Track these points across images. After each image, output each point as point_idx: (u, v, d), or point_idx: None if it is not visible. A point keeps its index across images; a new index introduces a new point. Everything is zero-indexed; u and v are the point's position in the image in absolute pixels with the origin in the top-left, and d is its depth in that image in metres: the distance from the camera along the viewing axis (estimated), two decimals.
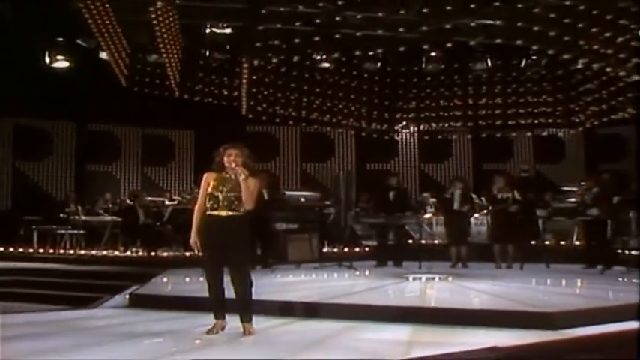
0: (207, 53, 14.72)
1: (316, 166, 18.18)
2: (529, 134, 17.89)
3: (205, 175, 5.68)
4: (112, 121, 16.27)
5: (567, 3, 10.94)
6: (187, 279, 8.54)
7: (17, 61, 13.39)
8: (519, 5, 11.31)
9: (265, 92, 17.05)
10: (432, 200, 14.71)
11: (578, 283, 8.68)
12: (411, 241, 12.76)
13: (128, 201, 13.83)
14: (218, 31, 13.14)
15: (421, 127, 18.50)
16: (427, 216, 14.24)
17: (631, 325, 5.70)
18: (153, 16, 12.12)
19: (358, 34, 13.15)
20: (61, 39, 13.82)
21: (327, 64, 15.29)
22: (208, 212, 5.54)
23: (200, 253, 5.64)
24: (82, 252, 12.60)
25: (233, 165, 5.48)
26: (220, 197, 5.51)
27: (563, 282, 8.70)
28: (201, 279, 5.67)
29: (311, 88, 17.51)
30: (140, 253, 12.24)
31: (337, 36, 13.38)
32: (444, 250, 11.88)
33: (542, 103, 17.57)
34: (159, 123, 16.70)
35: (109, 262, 11.43)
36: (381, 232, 11.82)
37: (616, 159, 15.87)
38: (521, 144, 18.05)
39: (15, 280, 9.97)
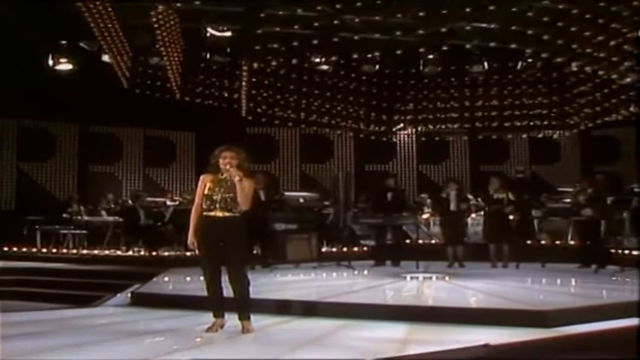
0: (208, 56, 14.72)
1: (315, 167, 18.20)
2: (524, 136, 17.93)
3: (201, 177, 5.71)
4: (114, 122, 16.30)
5: (560, 7, 10.96)
6: (188, 278, 8.56)
7: (21, 64, 13.40)
8: (513, 9, 11.33)
9: (265, 94, 17.05)
10: (429, 200, 14.75)
11: (572, 282, 8.71)
12: (408, 241, 12.79)
13: (130, 201, 13.86)
14: (218, 34, 13.15)
15: (418, 129, 18.52)
16: (425, 216, 14.27)
17: (623, 323, 5.74)
18: (154, 19, 12.13)
19: (356, 37, 13.16)
20: (64, 42, 13.83)
21: (325, 67, 15.31)
22: (205, 213, 5.57)
23: (198, 253, 5.68)
24: (85, 251, 12.63)
25: (228, 167, 5.51)
26: (216, 198, 5.54)
27: (558, 281, 8.74)
28: (202, 278, 5.69)
29: (310, 90, 17.51)
30: (142, 253, 12.25)
31: (335, 39, 13.39)
32: (441, 250, 11.92)
33: (537, 105, 17.58)
34: (160, 124, 16.74)
35: (110, 262, 11.47)
36: (379, 232, 11.85)
37: (610, 160, 15.92)
38: (518, 145, 18.08)
39: (18, 279, 10.00)
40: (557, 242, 12.75)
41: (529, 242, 12.53)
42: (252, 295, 5.74)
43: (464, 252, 11.59)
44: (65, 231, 13.22)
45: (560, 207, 12.58)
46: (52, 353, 4.94)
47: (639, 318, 5.12)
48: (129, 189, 16.17)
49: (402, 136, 18.67)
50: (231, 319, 5.66)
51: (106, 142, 16.50)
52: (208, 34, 13.24)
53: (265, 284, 8.28)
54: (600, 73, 12.82)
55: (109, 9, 11.83)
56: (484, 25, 12.28)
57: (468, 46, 13.67)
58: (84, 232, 13.26)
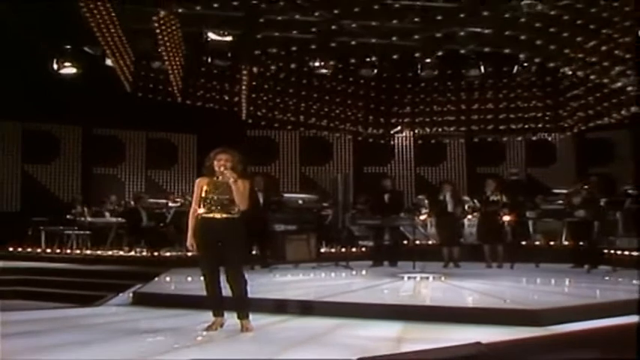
0: (209, 60, 14.76)
1: (315, 169, 18.24)
2: (519, 138, 17.98)
3: (198, 180, 5.75)
4: (117, 125, 16.34)
5: (552, 13, 11.00)
6: (189, 278, 8.59)
7: (26, 68, 13.46)
8: (506, 15, 11.37)
9: (265, 98, 17.10)
10: (427, 201, 14.78)
11: (565, 282, 8.75)
12: (405, 242, 12.83)
13: (132, 203, 13.90)
14: (219, 38, 13.19)
15: (416, 132, 18.57)
16: (422, 217, 14.31)
17: (614, 321, 5.78)
18: (156, 24, 12.18)
19: (353, 42, 13.20)
20: (68, 46, 13.87)
21: (324, 71, 15.35)
22: (203, 215, 5.61)
23: (197, 254, 5.74)
24: (88, 252, 12.67)
25: (223, 169, 5.55)
26: (213, 200, 5.58)
27: (551, 281, 8.78)
28: (201, 278, 5.74)
29: (309, 93, 17.56)
30: (143, 253, 12.29)
31: (333, 44, 13.44)
32: (438, 250, 11.96)
33: (532, 108, 17.65)
34: (162, 127, 16.78)
35: (113, 262, 11.50)
36: (377, 233, 11.89)
37: (604, 162, 15.97)
38: (514, 148, 18.13)
39: (23, 279, 10.04)
40: (552, 243, 12.79)
41: (524, 243, 12.57)
42: (251, 295, 5.79)
43: (460, 252, 11.65)
44: (69, 232, 13.26)
45: (553, 208, 12.63)
46: (56, 351, 4.97)
47: None
48: (131, 191, 16.18)
49: (399, 138, 18.72)
50: (231, 318, 5.71)
51: (109, 144, 16.53)
52: (209, 39, 13.27)
53: (265, 284, 8.32)
54: (592, 77, 12.88)
55: (112, 14, 11.88)
56: (478, 30, 12.34)
57: (462, 51, 13.71)
58: (87, 232, 13.30)
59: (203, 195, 5.63)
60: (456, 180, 17.11)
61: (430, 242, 13.59)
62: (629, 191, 12.89)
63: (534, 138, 17.88)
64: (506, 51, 13.17)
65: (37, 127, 15.71)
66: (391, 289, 8.26)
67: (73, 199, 14.57)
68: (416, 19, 11.96)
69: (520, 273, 9.98)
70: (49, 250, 12.84)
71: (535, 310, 6.31)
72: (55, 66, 13.96)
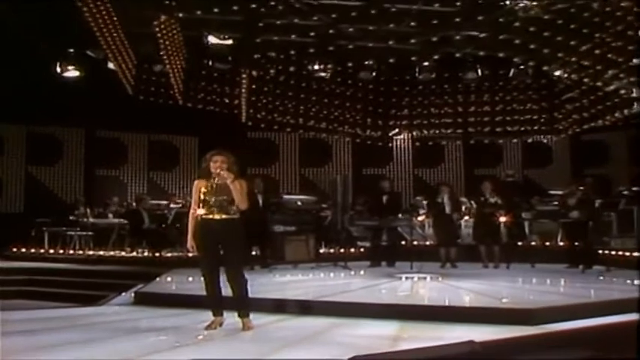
0: (209, 63, 14.81)
1: (314, 171, 18.28)
2: (515, 140, 18.02)
3: (196, 183, 5.76)
4: (120, 127, 16.39)
5: (546, 17, 11.05)
6: (190, 278, 8.59)
7: (30, 72, 13.50)
8: (501, 19, 11.42)
9: (264, 100, 17.15)
10: (425, 202, 14.80)
11: (561, 282, 8.77)
12: (403, 242, 12.85)
13: (134, 204, 13.91)
14: (219, 42, 13.23)
15: (413, 134, 18.61)
16: (420, 218, 14.33)
17: (607, 320, 5.80)
18: (157, 28, 12.23)
19: (351, 46, 13.25)
20: (71, 50, 13.93)
21: (323, 74, 15.39)
22: (203, 216, 5.63)
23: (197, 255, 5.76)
24: (91, 252, 12.68)
25: (219, 170, 5.57)
26: (212, 202, 5.60)
27: (546, 281, 8.79)
28: (201, 278, 5.76)
29: (308, 96, 17.62)
30: (145, 254, 12.31)
31: (332, 48, 13.48)
32: (435, 251, 11.97)
33: (528, 110, 17.70)
34: (164, 129, 16.82)
35: (115, 262, 11.53)
36: (375, 233, 11.91)
37: (599, 164, 16.01)
38: (511, 150, 18.17)
39: (27, 279, 10.07)
40: (547, 243, 12.81)
41: (520, 243, 12.59)
42: (251, 295, 5.80)
43: (457, 253, 11.66)
44: (72, 233, 13.28)
45: (548, 209, 12.65)
46: (57, 349, 4.99)
47: (639, 315, 5.18)
48: (134, 192, 16.22)
49: (397, 140, 18.76)
50: (230, 317, 5.74)
51: (112, 146, 16.58)
52: (210, 43, 13.31)
53: (264, 284, 8.34)
54: (586, 80, 12.93)
55: (114, 18, 11.92)
56: (474, 33, 12.38)
57: (457, 55, 13.76)
58: (90, 233, 13.32)
59: (202, 197, 5.66)
60: (454, 181, 17.16)
61: (428, 243, 13.60)
62: (624, 192, 12.91)
63: (530, 140, 17.92)
64: (501, 55, 13.22)
65: (41, 129, 15.76)
66: (389, 289, 8.26)
67: (76, 200, 14.59)
68: (412, 24, 11.99)
69: (516, 273, 9.98)
70: (52, 251, 12.86)
71: (530, 310, 6.33)
72: (59, 69, 14.03)
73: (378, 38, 12.83)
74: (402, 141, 18.73)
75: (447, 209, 11.62)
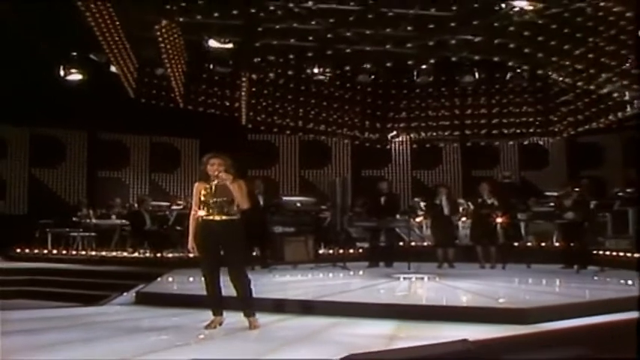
0: (210, 67, 14.83)
1: (314, 173, 18.29)
2: (511, 143, 18.05)
3: (195, 185, 5.79)
4: (122, 130, 16.40)
5: (540, 22, 11.07)
6: (191, 278, 8.62)
7: (33, 75, 13.52)
8: (495, 24, 11.44)
9: (264, 103, 17.17)
10: (423, 204, 14.81)
11: (556, 282, 8.80)
12: (401, 243, 12.86)
13: (136, 205, 13.94)
14: (219, 46, 13.26)
15: (411, 136, 18.64)
16: (418, 219, 14.35)
17: (602, 319, 5.82)
18: (158, 33, 12.26)
19: (349, 49, 13.27)
20: (74, 53, 13.95)
21: (322, 77, 15.42)
22: (203, 217, 5.65)
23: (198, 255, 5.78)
24: (93, 253, 12.70)
25: (217, 172, 5.59)
26: (212, 203, 5.62)
27: (542, 281, 8.82)
28: (202, 279, 5.78)
29: (307, 99, 17.64)
30: (147, 255, 12.33)
31: (330, 51, 13.51)
32: (433, 251, 12.00)
33: (523, 113, 17.73)
34: (165, 132, 16.83)
35: (117, 263, 11.53)
36: (373, 234, 11.93)
37: (594, 166, 16.04)
38: (507, 152, 18.19)
39: (30, 279, 10.10)
40: (543, 244, 12.84)
41: (516, 244, 12.61)
42: (253, 294, 5.81)
43: (454, 254, 11.69)
44: (75, 233, 13.30)
45: (544, 210, 12.69)
46: (59, 348, 5.00)
47: (639, 314, 5.20)
48: (136, 194, 16.24)
49: (396, 143, 18.78)
50: (230, 317, 5.76)
51: (114, 148, 16.59)
52: (210, 47, 13.34)
53: (264, 284, 8.35)
54: (580, 84, 12.96)
55: (117, 22, 11.95)
56: (469, 37, 12.41)
57: (453, 59, 13.80)
58: (92, 234, 13.35)
59: (202, 199, 5.68)
60: (452, 183, 17.16)
61: (425, 244, 13.62)
62: (619, 194, 12.94)
63: (526, 142, 17.95)
64: (496, 59, 13.24)
65: (44, 132, 15.77)
66: (387, 289, 8.29)
67: (79, 201, 14.61)
68: (409, 28, 12.02)
69: (512, 273, 10.02)
70: (55, 252, 12.88)
71: (526, 309, 6.36)
72: (62, 72, 14.04)
73: (376, 42, 12.84)
74: (400, 143, 18.76)
75: (445, 210, 11.65)
